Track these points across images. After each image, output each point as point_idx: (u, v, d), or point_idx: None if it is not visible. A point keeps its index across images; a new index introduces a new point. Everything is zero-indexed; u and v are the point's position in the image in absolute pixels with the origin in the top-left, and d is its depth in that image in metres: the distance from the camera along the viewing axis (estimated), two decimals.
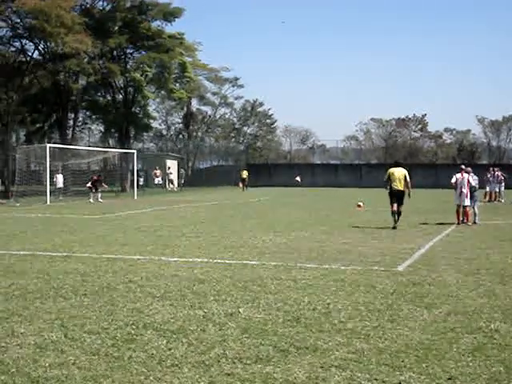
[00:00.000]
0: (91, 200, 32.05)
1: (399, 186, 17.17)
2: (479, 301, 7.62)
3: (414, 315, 6.89)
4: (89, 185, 33.46)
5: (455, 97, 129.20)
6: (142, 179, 47.65)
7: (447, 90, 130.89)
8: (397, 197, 17.13)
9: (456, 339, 5.97)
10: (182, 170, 53.96)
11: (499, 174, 31.96)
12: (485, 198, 30.59)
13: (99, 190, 33.30)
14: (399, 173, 17.29)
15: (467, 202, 18.19)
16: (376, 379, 4.90)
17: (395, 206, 17.03)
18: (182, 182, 52.13)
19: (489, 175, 31.77)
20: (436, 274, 9.53)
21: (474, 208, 18.64)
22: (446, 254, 11.82)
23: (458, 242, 13.80)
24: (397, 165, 17.95)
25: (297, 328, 6.37)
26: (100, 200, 32.17)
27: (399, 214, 17.11)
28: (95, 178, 34.05)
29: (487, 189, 31.77)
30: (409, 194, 17.30)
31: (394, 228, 16.66)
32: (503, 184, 32.38)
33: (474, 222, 18.33)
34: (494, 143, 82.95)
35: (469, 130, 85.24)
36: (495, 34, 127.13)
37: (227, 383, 4.82)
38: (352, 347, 5.71)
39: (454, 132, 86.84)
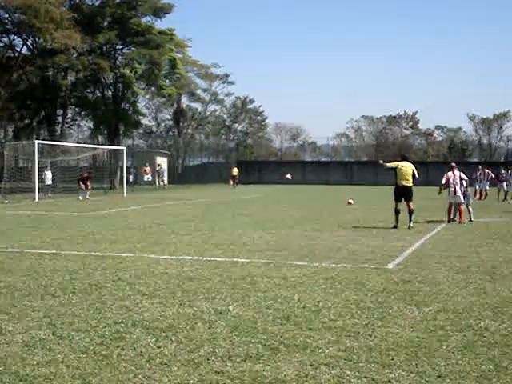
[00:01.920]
0: (80, 197, 31.90)
1: (407, 182, 16.43)
2: (469, 299, 7.62)
3: (403, 313, 6.89)
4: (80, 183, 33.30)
5: (446, 94, 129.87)
6: (131, 176, 47.49)
7: (438, 87, 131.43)
8: (405, 194, 16.45)
9: (446, 337, 5.96)
10: (162, 168, 51.38)
11: (489, 172, 32.03)
12: (475, 196, 30.67)
13: (89, 187, 33.10)
14: (407, 168, 16.54)
15: (461, 199, 18.17)
16: (366, 377, 4.89)
17: (400, 204, 16.39)
18: (164, 179, 50.06)
19: (478, 173, 31.85)
20: (426, 271, 9.54)
21: (467, 206, 18.64)
22: (436, 251, 11.84)
23: (449, 240, 13.82)
24: (403, 159, 17.13)
25: (286, 326, 6.35)
26: (88, 197, 31.99)
27: (411, 211, 16.33)
28: (85, 175, 33.87)
29: (477, 187, 31.84)
30: None
31: (395, 227, 16.12)
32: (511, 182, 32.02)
33: (470, 220, 18.32)
34: (484, 141, 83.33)
35: (460, 128, 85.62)
36: (486, 32, 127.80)
37: (217, 381, 4.80)
38: (342, 345, 5.69)
39: (445, 129, 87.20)
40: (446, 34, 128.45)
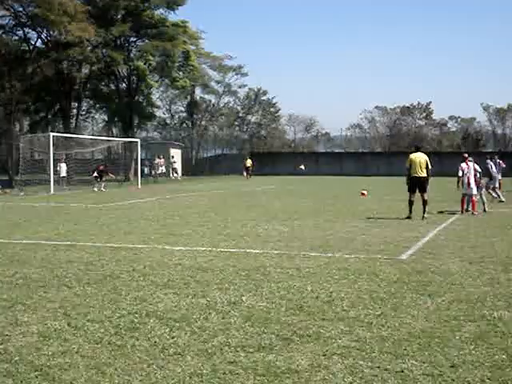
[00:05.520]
0: (95, 189, 32.08)
1: (420, 172, 16.35)
2: (483, 289, 7.60)
3: (417, 303, 6.89)
4: (94, 174, 33.48)
5: (460, 84, 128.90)
6: (146, 168, 47.55)
7: (452, 77, 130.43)
8: (418, 184, 16.38)
9: (459, 327, 5.96)
10: (157, 160, 47.32)
11: (500, 161, 31.69)
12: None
13: (104, 179, 33.30)
14: (420, 158, 16.46)
15: (474, 191, 18.04)
16: (378, 367, 4.90)
17: (414, 195, 16.34)
18: (159, 172, 46.89)
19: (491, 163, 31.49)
20: (439, 262, 9.51)
21: (481, 196, 18.55)
22: (449, 242, 11.80)
23: (462, 231, 13.76)
24: (417, 149, 17.03)
25: (299, 316, 6.37)
26: (103, 189, 32.18)
27: (425, 202, 16.33)
28: (101, 167, 34.05)
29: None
30: (427, 182, 16.57)
31: (409, 218, 16.06)
32: None
33: (484, 210, 18.25)
34: (499, 131, 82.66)
35: (474, 118, 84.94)
36: (501, 21, 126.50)
37: (230, 371, 4.83)
38: (354, 335, 5.71)
39: (459, 120, 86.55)
40: (459, 23, 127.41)
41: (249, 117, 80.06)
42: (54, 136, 32.95)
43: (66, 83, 44.19)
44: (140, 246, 11.41)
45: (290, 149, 78.53)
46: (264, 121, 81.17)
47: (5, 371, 4.83)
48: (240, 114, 79.42)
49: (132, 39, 47.30)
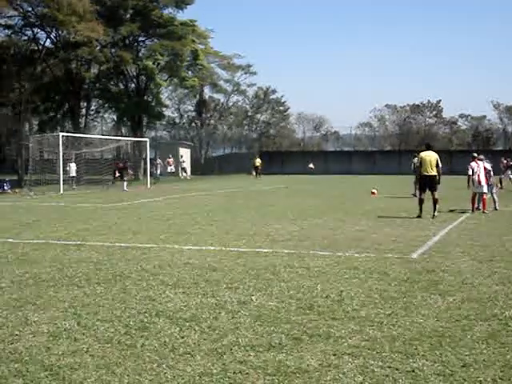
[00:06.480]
0: (125, 188, 31.51)
1: (431, 171, 16.22)
2: (494, 288, 7.55)
3: (427, 303, 6.85)
4: (117, 174, 33.19)
5: (470, 82, 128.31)
6: (155, 167, 47.63)
7: (462, 75, 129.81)
8: (429, 183, 16.24)
9: (470, 326, 5.92)
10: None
11: (505, 161, 31.69)
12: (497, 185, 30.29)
13: (125, 178, 32.81)
14: (431, 157, 16.34)
15: (485, 189, 17.95)
16: (389, 367, 4.87)
17: (424, 194, 16.24)
18: (168, 171, 46.74)
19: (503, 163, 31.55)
20: (450, 261, 9.46)
21: (493, 195, 18.48)
22: (460, 241, 11.73)
23: (473, 229, 13.69)
24: (428, 148, 16.87)
25: (310, 316, 6.34)
26: (125, 189, 31.70)
27: (435, 201, 16.21)
28: (121, 165, 33.80)
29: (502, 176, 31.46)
30: (438, 181, 16.40)
31: (419, 217, 15.98)
32: None
33: (495, 209, 18.18)
34: (509, 129, 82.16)
35: (484, 116, 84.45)
36: (501, 21, 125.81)
37: (240, 371, 4.81)
38: (365, 335, 5.67)
39: (469, 118, 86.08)
40: (469, 21, 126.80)
41: (258, 116, 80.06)
42: (63, 136, 33.05)
43: (75, 83, 44.35)
44: (149, 245, 11.41)
45: (299, 148, 78.42)
46: (273, 120, 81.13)
47: (15, 371, 4.83)
48: (249, 113, 79.42)
49: (141, 39, 47.46)
